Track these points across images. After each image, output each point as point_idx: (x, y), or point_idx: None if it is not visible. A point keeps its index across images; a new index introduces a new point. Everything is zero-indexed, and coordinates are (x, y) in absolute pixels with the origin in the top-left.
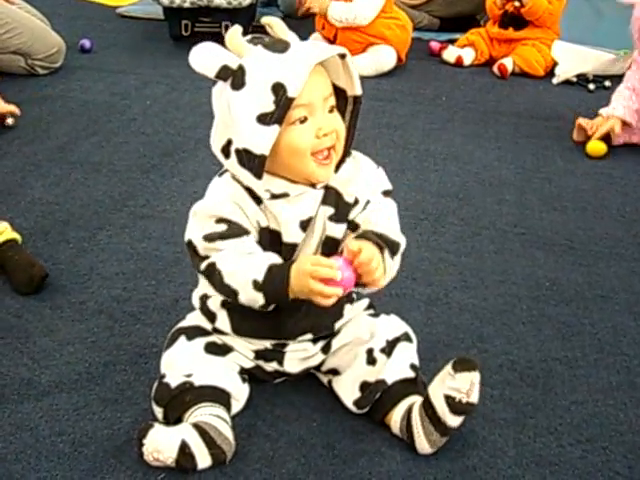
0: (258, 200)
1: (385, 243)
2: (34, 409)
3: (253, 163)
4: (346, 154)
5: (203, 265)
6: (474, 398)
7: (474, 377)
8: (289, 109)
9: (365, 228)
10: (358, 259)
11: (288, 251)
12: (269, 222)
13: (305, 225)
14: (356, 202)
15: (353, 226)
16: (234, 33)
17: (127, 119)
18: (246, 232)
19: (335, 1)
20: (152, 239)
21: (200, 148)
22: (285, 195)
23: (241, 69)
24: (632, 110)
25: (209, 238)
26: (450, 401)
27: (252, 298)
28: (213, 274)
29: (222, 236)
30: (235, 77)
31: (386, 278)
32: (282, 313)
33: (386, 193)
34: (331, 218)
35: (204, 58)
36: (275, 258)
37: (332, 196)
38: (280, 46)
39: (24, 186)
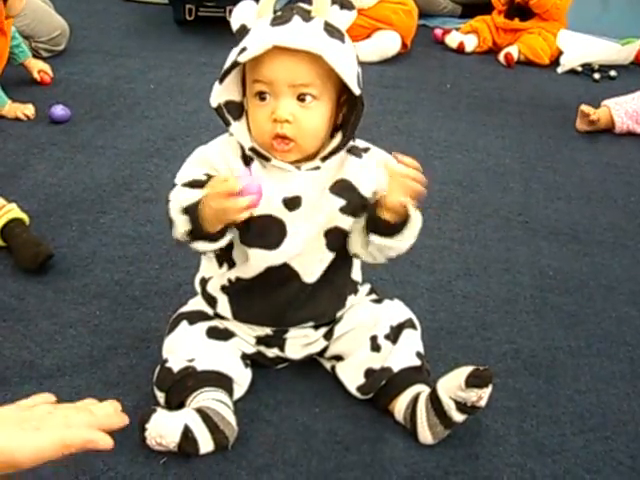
0: (247, 163)
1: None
2: (35, 392)
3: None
4: (343, 145)
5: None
6: (482, 403)
7: (484, 392)
8: (232, 70)
9: None
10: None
11: (273, 225)
12: None
13: (290, 204)
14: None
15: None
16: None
17: (131, 103)
18: None
19: None
20: (155, 223)
21: (204, 132)
22: (267, 159)
23: (248, 31)
24: (625, 111)
25: (182, 181)
26: (457, 404)
27: (180, 223)
28: (167, 209)
29: (192, 184)
30: (241, 37)
31: (412, 232)
32: (282, 302)
33: None
34: (342, 210)
35: (239, 13)
36: None
37: (345, 188)
38: (281, 19)
39: (27, 169)
